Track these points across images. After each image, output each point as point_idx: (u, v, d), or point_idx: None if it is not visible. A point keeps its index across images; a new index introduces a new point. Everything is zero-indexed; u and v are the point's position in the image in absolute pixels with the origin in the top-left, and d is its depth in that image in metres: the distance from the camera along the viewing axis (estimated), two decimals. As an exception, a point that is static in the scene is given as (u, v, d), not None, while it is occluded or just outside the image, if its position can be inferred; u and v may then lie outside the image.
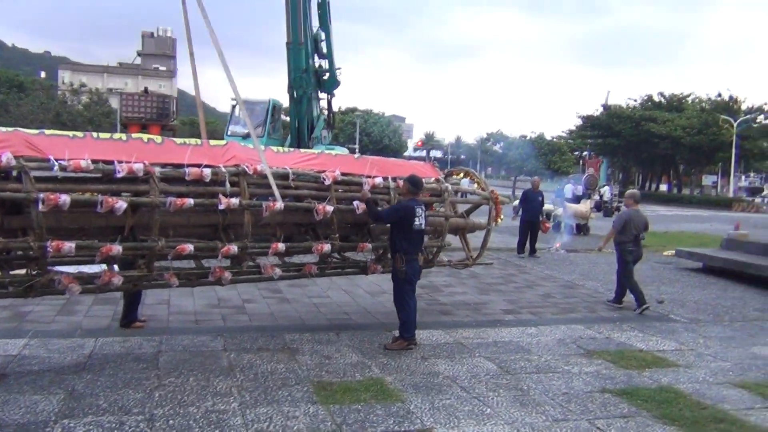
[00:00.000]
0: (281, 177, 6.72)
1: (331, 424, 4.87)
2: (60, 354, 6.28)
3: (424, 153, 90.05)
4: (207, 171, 6.13)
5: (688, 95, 66.69)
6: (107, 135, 6.11)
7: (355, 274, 8.07)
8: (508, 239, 17.23)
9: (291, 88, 18.29)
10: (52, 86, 56.04)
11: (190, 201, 5.96)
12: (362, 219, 7.39)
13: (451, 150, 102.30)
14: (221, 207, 6.12)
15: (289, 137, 19.42)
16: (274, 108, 19.67)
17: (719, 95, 61.60)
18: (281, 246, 6.72)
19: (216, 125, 54.67)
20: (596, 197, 33.37)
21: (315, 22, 18.69)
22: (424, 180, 7.72)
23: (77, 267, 6.08)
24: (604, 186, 37.15)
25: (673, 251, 15.91)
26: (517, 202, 17.95)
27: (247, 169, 6.39)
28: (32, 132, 5.63)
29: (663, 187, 71.97)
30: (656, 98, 67.68)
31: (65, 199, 5.25)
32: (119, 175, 5.62)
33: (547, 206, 19.85)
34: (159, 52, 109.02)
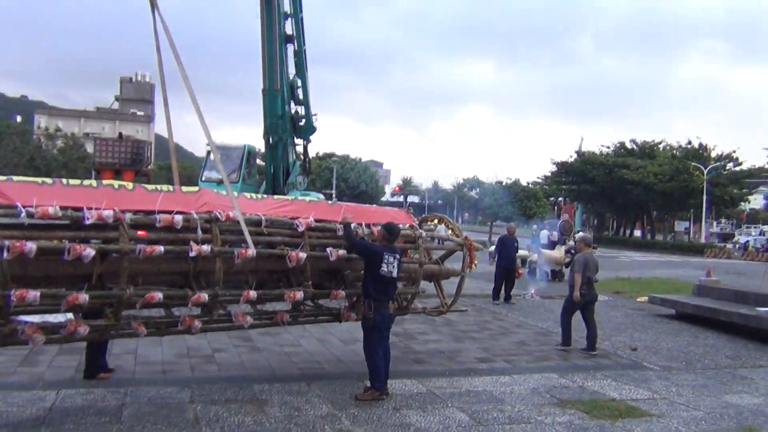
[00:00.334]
0: (254, 224, 6.68)
1: (299, 479, 4.74)
2: (19, 408, 6.08)
3: (401, 198, 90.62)
4: (178, 218, 6.07)
5: (660, 142, 68.32)
6: (77, 181, 6.05)
7: (329, 321, 7.99)
8: (484, 285, 17.25)
9: (267, 134, 18.38)
10: (27, 131, 55.56)
11: (161, 248, 5.88)
12: (336, 266, 7.36)
13: (429, 195, 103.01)
14: (192, 254, 6.05)
15: (264, 183, 19.43)
16: (250, 154, 19.73)
17: (689, 143, 63.29)
18: (253, 294, 6.63)
19: (193, 170, 54.51)
20: (571, 243, 33.63)
21: (291, 69, 18.92)
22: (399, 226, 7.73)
23: (43, 316, 5.94)
24: (578, 232, 37.50)
25: (647, 297, 16.02)
26: (493, 247, 18.04)
27: (219, 215, 6.35)
28: (0, 178, 5.56)
29: (637, 233, 72.96)
30: (629, 145, 69.20)
31: (31, 246, 5.15)
32: (88, 222, 5.55)
33: (521, 252, 19.98)
34: (137, 96, 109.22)
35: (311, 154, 23.42)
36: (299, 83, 19.05)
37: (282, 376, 7.77)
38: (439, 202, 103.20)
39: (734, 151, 61.28)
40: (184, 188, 6.73)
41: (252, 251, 6.38)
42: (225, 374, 7.75)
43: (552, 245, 26.82)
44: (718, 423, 6.69)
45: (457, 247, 8.90)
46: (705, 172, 55.48)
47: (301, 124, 19.45)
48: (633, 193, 59.15)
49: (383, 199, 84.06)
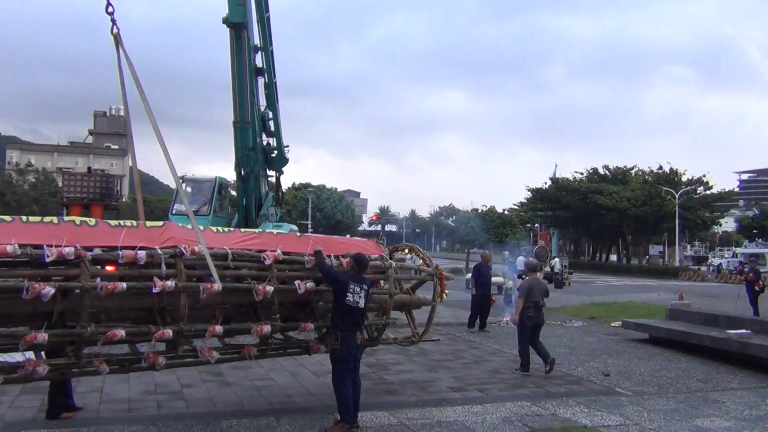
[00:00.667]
0: (220, 257, 6.64)
1: None
2: (-23, 450, 5.91)
3: (378, 227, 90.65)
4: (141, 253, 6.02)
5: (632, 168, 69.46)
6: (38, 218, 5.99)
7: (298, 354, 7.91)
8: (460, 313, 17.27)
9: (238, 166, 18.38)
10: (-3, 167, 55.03)
11: (123, 285, 5.81)
12: (305, 298, 7.32)
13: (406, 224, 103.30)
14: (156, 290, 5.98)
15: (237, 215, 19.36)
16: (221, 186, 19.68)
17: (660, 168, 64.49)
18: (219, 328, 6.55)
19: (168, 203, 54.17)
20: (547, 269, 33.91)
21: (263, 101, 19.00)
22: (368, 257, 7.73)
23: (2, 355, 5.82)
24: (554, 258, 37.80)
25: (620, 322, 16.11)
26: (469, 275, 18.04)
27: (184, 250, 6.30)
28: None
29: (613, 258, 73.66)
30: (601, 171, 70.27)
31: (-13, 285, 5.07)
32: (48, 260, 5.47)
33: (496, 279, 20.04)
34: (111, 130, 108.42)
35: (286, 185, 23.45)
36: (270, 115, 19.13)
37: (251, 411, 7.65)
38: (417, 230, 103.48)
39: (704, 176, 62.57)
40: (149, 223, 6.66)
41: (218, 286, 6.33)
42: (193, 410, 7.61)
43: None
44: (688, 448, 6.70)
45: (428, 276, 8.91)
46: (676, 196, 56.44)
47: (273, 155, 19.48)
48: (607, 218, 59.90)
49: (360, 228, 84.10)
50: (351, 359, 6.97)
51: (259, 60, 18.65)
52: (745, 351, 11.44)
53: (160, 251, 6.14)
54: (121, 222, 6.44)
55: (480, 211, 54.88)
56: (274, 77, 19.21)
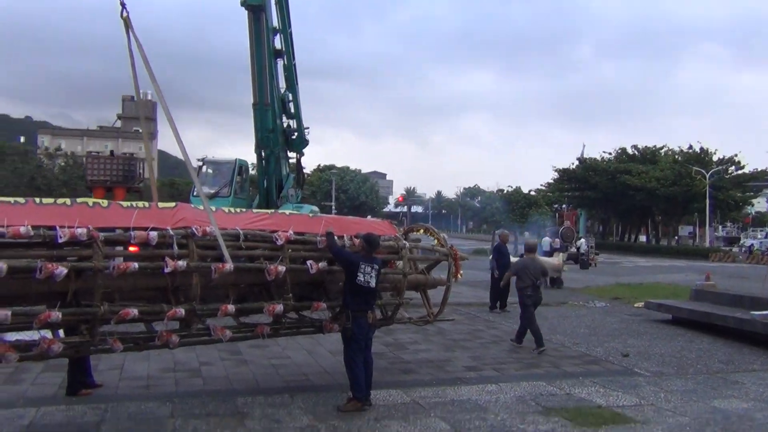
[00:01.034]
0: (232, 238, 6.70)
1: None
2: (-4, 426, 6.08)
3: (405, 209, 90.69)
4: (153, 234, 6.09)
5: (661, 148, 68.21)
6: (51, 200, 6.09)
7: (312, 333, 7.97)
8: (482, 293, 17.22)
9: (258, 148, 18.50)
10: (28, 151, 55.92)
11: (135, 265, 5.89)
12: (318, 278, 7.36)
13: (432, 205, 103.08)
14: (167, 270, 6.06)
15: (257, 196, 19.51)
16: (241, 168, 19.84)
17: (690, 147, 63.16)
18: (231, 308, 6.62)
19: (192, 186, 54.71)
20: (573, 249, 33.61)
21: (282, 83, 19.03)
22: (382, 237, 7.75)
23: (22, 333, 5.96)
24: (580, 239, 37.42)
25: (643, 303, 15.93)
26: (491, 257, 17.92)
27: (195, 231, 6.37)
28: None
29: (642, 238, 72.75)
30: (630, 151, 69.13)
31: (1, 266, 5.18)
32: (61, 241, 5.57)
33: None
34: (139, 114, 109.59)
35: (311, 167, 23.53)
36: (290, 97, 19.16)
37: (266, 388, 7.75)
38: (443, 211, 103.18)
39: (736, 155, 61.16)
40: (161, 204, 6.74)
41: (229, 265, 6.39)
42: (209, 388, 7.73)
43: (552, 252, 26.88)
44: (703, 429, 6.62)
45: (442, 257, 8.89)
46: (707, 176, 55.38)
47: (293, 137, 19.55)
48: (636, 198, 59.07)
49: (386, 210, 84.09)
50: (363, 338, 7.01)
51: (278, 42, 18.65)
52: (770, 332, 11.23)
53: (171, 232, 6.22)
54: (134, 203, 6.53)
55: (505, 191, 54.49)
56: (293, 59, 19.21)
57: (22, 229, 5.42)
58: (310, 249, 7.27)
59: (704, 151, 61.75)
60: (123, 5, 6.71)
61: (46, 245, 5.69)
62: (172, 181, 70.84)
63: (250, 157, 20.97)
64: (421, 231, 9.68)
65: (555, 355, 10.23)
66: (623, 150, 69.52)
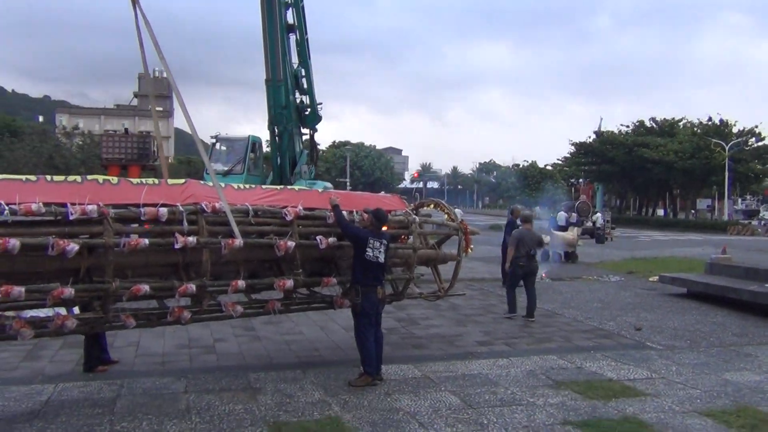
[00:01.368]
0: (242, 214, 6.73)
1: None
2: (15, 402, 6.21)
3: (420, 184, 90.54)
4: (163, 210, 6.14)
5: (680, 120, 67.17)
6: (62, 177, 6.13)
7: (323, 309, 8.03)
8: (495, 269, 17.17)
9: (271, 124, 18.46)
10: (46, 130, 56.28)
11: (145, 241, 5.95)
12: (328, 254, 7.39)
13: (448, 181, 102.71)
14: (177, 246, 6.11)
15: (271, 173, 19.52)
16: (254, 145, 19.83)
17: (710, 119, 62.10)
18: (241, 283, 6.68)
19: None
20: (589, 224, 33.44)
21: (295, 59, 18.91)
22: (392, 212, 7.74)
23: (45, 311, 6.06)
24: (596, 213, 37.16)
25: (658, 277, 15.85)
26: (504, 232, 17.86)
27: (204, 207, 6.40)
28: (-17, 178, 5.65)
29: (660, 212, 72.08)
30: (648, 124, 68.17)
31: (14, 243, 5.25)
32: (72, 218, 5.63)
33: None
34: (155, 92, 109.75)
35: (326, 143, 23.47)
36: (303, 72, 19.04)
37: (279, 364, 7.84)
38: (459, 187, 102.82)
39: (756, 126, 60.02)
40: (170, 181, 6.79)
41: (239, 241, 6.43)
42: (223, 364, 7.84)
43: (567, 227, 26.73)
44: (713, 401, 6.61)
45: (453, 232, 8.89)
46: (726, 148, 54.56)
47: (306, 113, 19.47)
48: (654, 171, 58.40)
49: (401, 186, 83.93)
50: (372, 314, 7.04)
51: (290, 16, 18.51)
52: (786, 305, 11.15)
53: (181, 208, 6.26)
54: (143, 180, 6.58)
55: (521, 166, 54.12)
56: (306, 34, 19.05)
57: (34, 206, 5.48)
58: (320, 224, 7.30)
59: (724, 123, 60.69)
60: (129, -18, 6.69)
61: (56, 222, 5.76)
62: (188, 159, 71.07)
63: (265, 134, 20.99)
64: (432, 206, 9.66)
65: (567, 330, 10.23)
66: (641, 123, 68.58)
